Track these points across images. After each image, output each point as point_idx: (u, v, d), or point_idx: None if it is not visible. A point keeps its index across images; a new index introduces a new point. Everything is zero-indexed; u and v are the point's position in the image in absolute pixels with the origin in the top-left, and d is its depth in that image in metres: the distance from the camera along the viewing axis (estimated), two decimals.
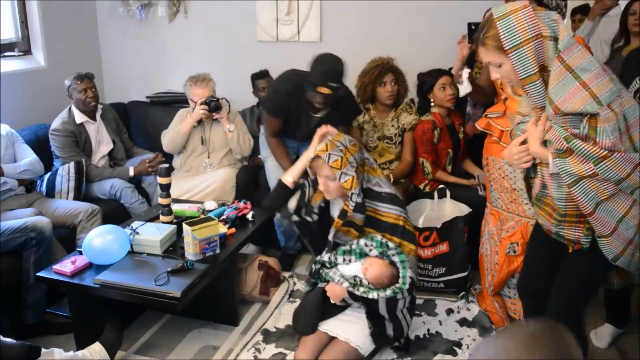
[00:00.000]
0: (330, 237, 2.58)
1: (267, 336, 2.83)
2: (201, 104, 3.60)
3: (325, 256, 2.62)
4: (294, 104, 3.20)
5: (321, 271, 2.62)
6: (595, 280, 2.09)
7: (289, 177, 2.70)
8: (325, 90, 2.93)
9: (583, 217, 1.83)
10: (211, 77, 3.72)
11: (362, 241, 2.54)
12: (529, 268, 2.23)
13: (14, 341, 2.20)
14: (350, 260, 2.57)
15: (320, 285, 2.61)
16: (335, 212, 2.66)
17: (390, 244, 2.49)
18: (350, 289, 2.46)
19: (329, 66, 2.97)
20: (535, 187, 1.98)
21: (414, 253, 2.53)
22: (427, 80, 3.35)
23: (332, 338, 2.55)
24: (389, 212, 2.54)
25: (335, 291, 2.53)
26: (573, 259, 1.95)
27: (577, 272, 1.96)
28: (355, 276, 2.50)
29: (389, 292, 2.40)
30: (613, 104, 1.66)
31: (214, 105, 3.60)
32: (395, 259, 2.48)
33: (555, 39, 1.70)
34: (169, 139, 3.71)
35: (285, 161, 3.34)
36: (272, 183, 3.34)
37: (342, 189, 2.48)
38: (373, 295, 2.42)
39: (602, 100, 1.65)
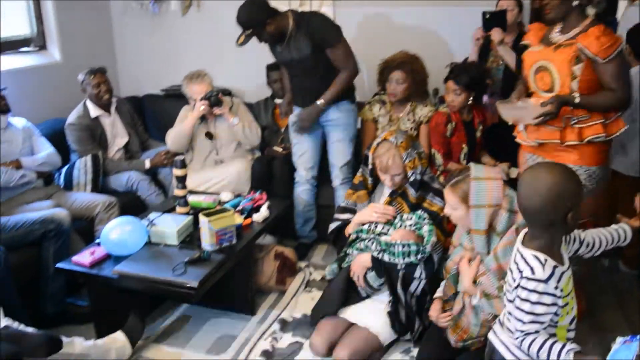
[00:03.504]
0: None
1: (284, 325, 2.85)
2: (201, 99, 3.57)
3: (366, 225, 2.68)
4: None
5: (349, 250, 2.68)
6: None
7: (349, 229, 2.77)
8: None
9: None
10: (206, 73, 3.69)
11: (404, 215, 2.64)
12: None
13: (36, 331, 2.23)
14: (388, 231, 2.63)
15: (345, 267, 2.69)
16: (380, 199, 2.79)
17: (425, 214, 2.60)
18: (375, 254, 2.52)
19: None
20: (454, 310, 2.29)
21: (441, 244, 2.58)
22: (448, 75, 3.30)
23: (350, 325, 2.57)
24: (434, 202, 2.66)
25: (358, 261, 2.59)
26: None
27: None
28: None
29: (412, 247, 2.46)
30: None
31: (214, 100, 3.55)
32: (425, 227, 2.56)
33: (511, 211, 2.07)
34: (172, 138, 3.67)
35: None
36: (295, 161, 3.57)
37: (405, 175, 2.62)
38: (396, 260, 2.48)
39: None
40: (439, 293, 2.43)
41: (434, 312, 2.37)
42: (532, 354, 1.62)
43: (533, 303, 1.57)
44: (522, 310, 1.60)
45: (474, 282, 2.15)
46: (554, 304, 1.58)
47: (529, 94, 2.64)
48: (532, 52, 2.55)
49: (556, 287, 1.57)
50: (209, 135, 3.69)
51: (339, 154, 3.42)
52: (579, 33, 2.36)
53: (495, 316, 2.06)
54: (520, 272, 1.61)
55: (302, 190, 3.53)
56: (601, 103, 2.38)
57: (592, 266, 3.36)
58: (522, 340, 1.63)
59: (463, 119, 3.31)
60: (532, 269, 1.58)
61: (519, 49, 2.73)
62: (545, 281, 1.56)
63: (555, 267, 1.58)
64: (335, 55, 3.20)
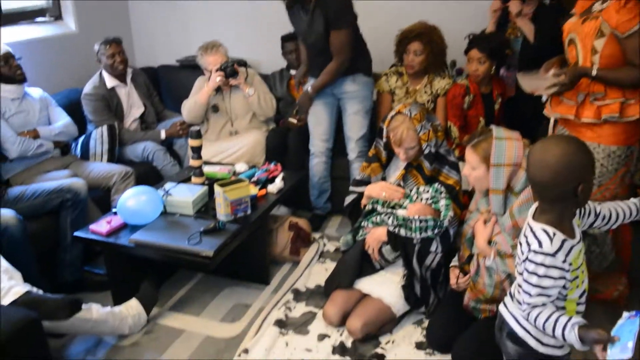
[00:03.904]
0: (395, 180, 2.70)
1: (298, 295, 2.88)
2: (216, 70, 3.57)
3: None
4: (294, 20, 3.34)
5: (364, 222, 2.67)
6: None
7: (364, 202, 2.76)
8: None
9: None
10: (221, 43, 3.67)
11: (421, 187, 2.64)
12: None
13: (55, 295, 2.27)
14: (403, 203, 2.63)
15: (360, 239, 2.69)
16: (392, 175, 2.77)
17: (442, 188, 2.59)
18: (391, 228, 2.52)
19: None
20: (471, 272, 2.31)
21: (458, 217, 2.57)
22: (468, 45, 3.26)
23: (364, 296, 2.59)
24: (450, 175, 2.64)
25: (374, 235, 2.59)
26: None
27: None
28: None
29: (430, 222, 2.46)
30: None
31: (230, 71, 3.55)
32: (442, 202, 2.55)
33: None
34: (187, 109, 3.69)
35: None
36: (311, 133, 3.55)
37: (419, 148, 2.59)
38: (413, 235, 2.48)
39: None
40: (454, 262, 2.45)
41: (454, 278, 2.39)
42: (538, 327, 1.63)
43: (540, 276, 1.57)
44: (530, 283, 1.60)
45: (489, 242, 2.16)
46: (561, 278, 1.58)
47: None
48: (569, 22, 2.42)
49: (564, 261, 1.57)
50: (215, 109, 3.71)
51: (355, 126, 3.40)
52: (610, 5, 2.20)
53: (509, 276, 2.09)
54: (529, 245, 1.61)
55: (318, 162, 3.52)
56: (622, 79, 2.24)
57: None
58: (528, 313, 1.64)
59: (481, 91, 3.26)
60: (539, 243, 1.58)
61: (538, 19, 2.65)
62: (553, 255, 1.56)
63: (564, 240, 1.57)
64: (336, 39, 3.14)
